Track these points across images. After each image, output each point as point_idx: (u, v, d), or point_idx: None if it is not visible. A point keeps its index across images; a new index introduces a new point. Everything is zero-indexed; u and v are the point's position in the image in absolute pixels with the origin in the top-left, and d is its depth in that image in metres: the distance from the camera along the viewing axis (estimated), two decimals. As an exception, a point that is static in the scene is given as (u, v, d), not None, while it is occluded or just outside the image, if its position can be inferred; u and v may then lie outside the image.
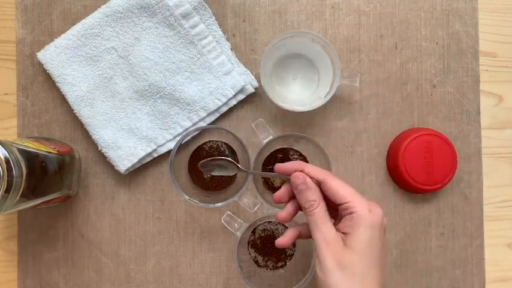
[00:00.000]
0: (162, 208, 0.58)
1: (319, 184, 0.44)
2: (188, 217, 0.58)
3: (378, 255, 0.41)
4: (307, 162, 0.58)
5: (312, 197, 0.43)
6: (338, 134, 0.59)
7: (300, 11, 0.59)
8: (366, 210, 0.41)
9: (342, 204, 0.42)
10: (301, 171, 0.45)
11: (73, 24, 0.56)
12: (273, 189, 0.58)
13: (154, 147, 0.56)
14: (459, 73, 0.60)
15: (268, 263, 0.58)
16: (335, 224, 0.43)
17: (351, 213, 0.42)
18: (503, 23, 0.61)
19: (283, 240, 0.46)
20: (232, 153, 0.58)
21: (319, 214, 0.43)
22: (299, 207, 0.46)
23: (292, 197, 0.46)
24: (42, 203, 0.50)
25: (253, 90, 0.57)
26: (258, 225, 0.58)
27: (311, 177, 0.44)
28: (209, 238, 0.58)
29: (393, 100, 0.59)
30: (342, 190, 0.43)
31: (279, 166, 0.46)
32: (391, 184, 0.59)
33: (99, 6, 0.55)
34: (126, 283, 0.58)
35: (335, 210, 0.44)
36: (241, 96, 0.58)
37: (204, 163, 0.50)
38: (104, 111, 0.56)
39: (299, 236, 0.47)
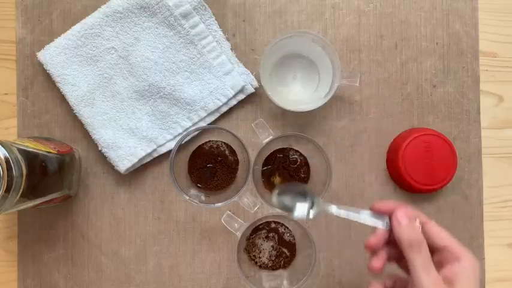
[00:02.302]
0: (162, 208, 0.58)
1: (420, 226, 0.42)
2: (188, 217, 0.58)
3: None
4: (307, 162, 0.58)
5: (420, 235, 0.41)
6: (338, 134, 0.59)
7: (300, 11, 0.59)
8: (474, 260, 0.40)
9: (443, 249, 0.41)
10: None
11: (73, 24, 0.56)
12: (274, 188, 0.58)
13: (155, 147, 0.56)
14: (459, 73, 0.60)
15: (269, 263, 0.58)
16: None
17: (456, 259, 0.40)
18: (503, 23, 0.61)
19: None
20: (232, 153, 0.58)
21: (427, 255, 0.40)
22: (391, 257, 0.44)
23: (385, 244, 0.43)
24: (42, 203, 0.50)
25: (253, 90, 0.57)
26: (258, 225, 0.58)
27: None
28: (209, 238, 0.58)
29: (393, 100, 0.59)
30: (444, 234, 0.41)
31: (377, 204, 0.44)
32: (391, 184, 0.59)
33: (99, 6, 0.55)
34: (126, 283, 0.58)
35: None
36: (241, 96, 0.58)
37: (281, 189, 0.47)
38: (104, 111, 0.56)
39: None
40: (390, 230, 0.42)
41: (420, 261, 0.39)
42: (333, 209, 0.45)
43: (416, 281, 0.39)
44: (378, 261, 0.43)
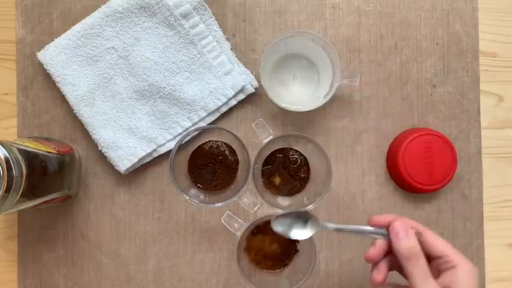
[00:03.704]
0: (162, 208, 0.58)
1: (417, 236, 0.43)
2: (188, 217, 0.58)
3: None
4: (307, 162, 0.58)
5: (416, 246, 0.41)
6: (338, 134, 0.59)
7: (300, 11, 0.59)
8: (471, 266, 0.41)
9: (440, 257, 0.42)
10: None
11: (73, 24, 0.56)
12: (274, 188, 0.58)
13: (155, 147, 0.56)
14: (459, 73, 0.60)
15: (269, 263, 0.58)
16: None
17: (452, 267, 0.41)
18: (503, 23, 0.61)
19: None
20: (232, 153, 0.58)
21: (424, 265, 0.41)
22: (392, 265, 0.44)
23: (385, 254, 0.44)
24: (42, 203, 0.50)
25: (253, 90, 0.57)
26: (258, 225, 0.58)
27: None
28: (209, 238, 0.58)
29: (393, 100, 0.59)
30: (441, 242, 0.42)
31: (375, 217, 0.45)
32: (391, 184, 0.59)
33: (99, 6, 0.55)
34: (126, 283, 0.58)
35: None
36: (241, 96, 0.58)
37: (277, 221, 0.47)
38: (104, 111, 0.56)
39: None
40: (389, 240, 0.43)
41: (417, 271, 0.41)
42: (332, 226, 0.46)
43: None
44: (379, 274, 0.44)
